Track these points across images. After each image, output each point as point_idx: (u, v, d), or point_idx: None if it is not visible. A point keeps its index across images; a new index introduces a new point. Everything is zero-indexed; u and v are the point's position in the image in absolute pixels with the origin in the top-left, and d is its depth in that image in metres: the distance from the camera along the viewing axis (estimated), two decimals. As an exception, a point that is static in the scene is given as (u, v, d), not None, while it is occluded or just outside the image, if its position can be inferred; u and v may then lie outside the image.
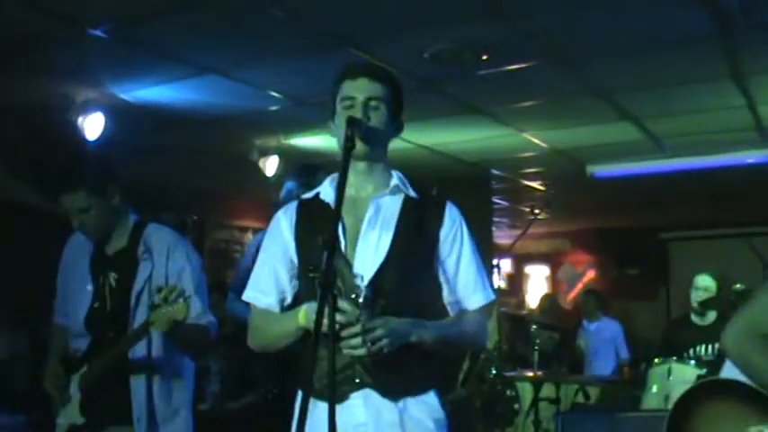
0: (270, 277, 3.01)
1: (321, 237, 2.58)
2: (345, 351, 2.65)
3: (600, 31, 5.64)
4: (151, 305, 3.54)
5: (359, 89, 2.86)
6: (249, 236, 12.48)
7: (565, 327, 11.31)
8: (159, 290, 3.53)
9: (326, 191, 2.96)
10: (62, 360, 4.03)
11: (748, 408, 2.53)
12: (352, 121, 2.72)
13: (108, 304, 3.92)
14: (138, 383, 3.80)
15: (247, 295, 3.06)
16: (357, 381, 2.79)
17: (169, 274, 3.84)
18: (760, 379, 2.64)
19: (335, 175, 2.97)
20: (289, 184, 5.02)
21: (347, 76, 2.90)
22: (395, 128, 2.97)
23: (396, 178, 2.96)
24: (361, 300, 2.71)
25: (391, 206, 2.93)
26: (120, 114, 7.12)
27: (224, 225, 12.44)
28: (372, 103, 2.85)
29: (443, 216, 2.96)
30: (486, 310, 3.00)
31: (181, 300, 3.43)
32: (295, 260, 2.97)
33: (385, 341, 2.65)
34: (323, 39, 5.75)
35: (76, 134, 6.93)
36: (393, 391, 2.81)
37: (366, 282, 2.79)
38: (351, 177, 2.78)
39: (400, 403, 2.81)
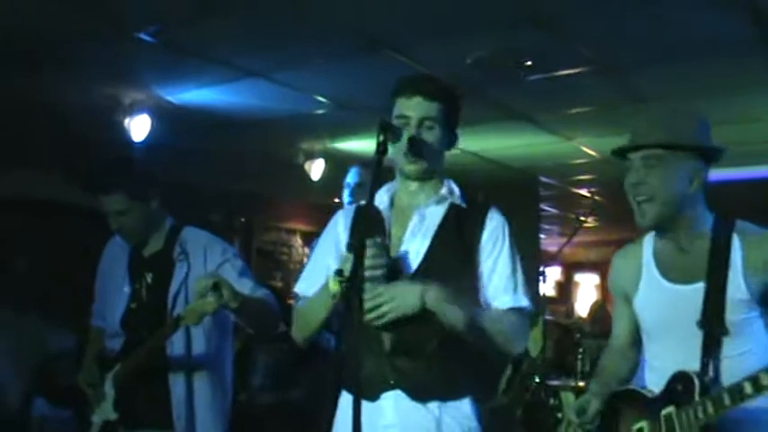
0: (319, 270, 2.99)
1: (349, 242, 2.60)
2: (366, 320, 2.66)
3: (645, 38, 5.59)
4: None
5: (413, 108, 2.82)
6: (297, 238, 12.52)
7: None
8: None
9: (381, 198, 2.97)
10: (97, 359, 4.07)
11: (634, 409, 2.85)
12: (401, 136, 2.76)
13: (144, 303, 3.93)
14: (177, 381, 3.81)
15: (299, 287, 3.07)
16: (391, 382, 2.79)
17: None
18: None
19: (394, 182, 3.01)
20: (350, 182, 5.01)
21: (402, 93, 2.87)
22: (448, 142, 2.94)
23: (445, 188, 2.95)
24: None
25: (435, 215, 2.92)
26: (166, 117, 7.22)
27: (271, 227, 12.49)
28: (426, 123, 2.83)
29: (485, 221, 2.92)
30: (519, 314, 2.90)
31: (210, 294, 3.45)
32: None
33: (388, 306, 2.67)
34: (366, 43, 5.75)
35: (123, 136, 7.01)
36: (424, 395, 2.79)
37: None
38: (402, 191, 2.89)
39: (431, 405, 2.79)
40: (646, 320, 2.92)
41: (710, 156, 2.77)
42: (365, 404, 2.74)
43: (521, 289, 2.93)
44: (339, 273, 2.63)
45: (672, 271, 2.80)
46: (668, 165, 2.69)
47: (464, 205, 2.96)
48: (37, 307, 7.70)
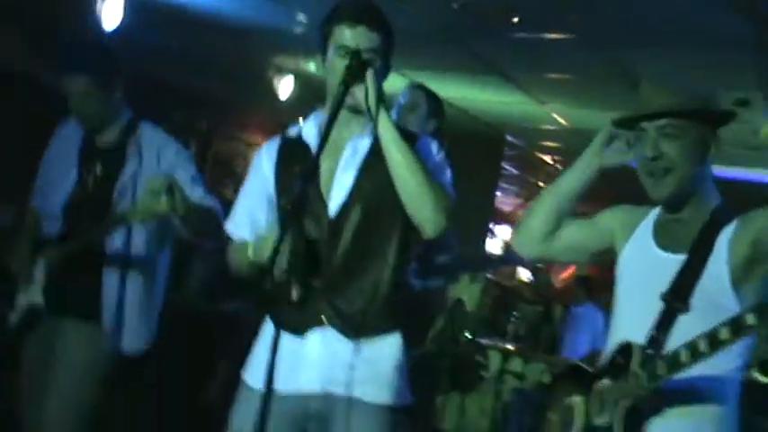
0: (245, 211, 2.99)
1: (299, 166, 2.55)
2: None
3: (639, 17, 5.54)
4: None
5: (358, 39, 2.71)
6: (255, 152, 12.38)
7: (551, 303, 11.25)
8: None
9: (309, 131, 2.90)
10: (31, 240, 3.99)
11: (571, 385, 2.78)
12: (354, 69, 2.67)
13: (90, 192, 3.89)
14: (111, 276, 3.80)
15: (228, 227, 3.06)
16: (324, 320, 2.77)
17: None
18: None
19: (318, 113, 2.93)
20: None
21: (343, 21, 2.73)
22: (384, 75, 2.84)
23: None
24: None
25: (366, 147, 2.85)
26: (139, 7, 7.01)
27: (231, 137, 12.33)
28: (371, 54, 2.74)
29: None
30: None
31: (164, 196, 3.38)
32: (273, 197, 2.93)
33: None
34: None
35: (94, 22, 6.83)
36: (355, 334, 2.77)
37: (331, 217, 2.79)
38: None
39: (358, 343, 2.77)
40: (622, 280, 2.73)
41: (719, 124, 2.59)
42: (289, 336, 2.72)
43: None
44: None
45: (664, 237, 2.63)
46: (688, 135, 2.49)
47: None
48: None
